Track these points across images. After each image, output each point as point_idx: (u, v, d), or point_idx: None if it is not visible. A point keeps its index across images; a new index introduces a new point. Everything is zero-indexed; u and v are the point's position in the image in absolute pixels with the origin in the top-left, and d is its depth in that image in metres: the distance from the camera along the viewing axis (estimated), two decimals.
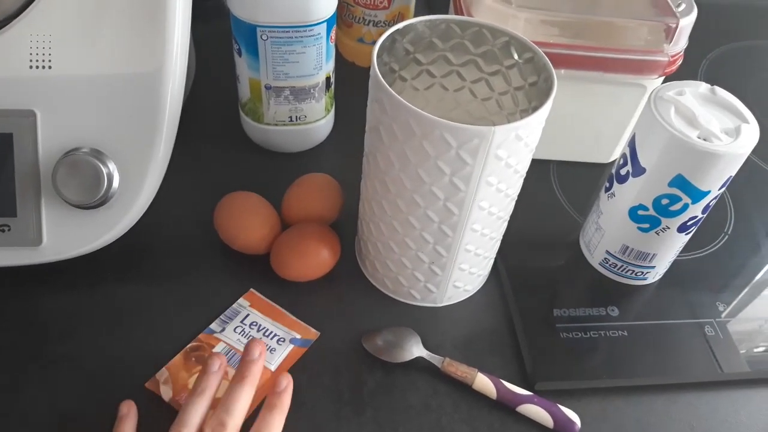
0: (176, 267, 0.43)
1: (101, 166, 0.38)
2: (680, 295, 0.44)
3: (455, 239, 0.37)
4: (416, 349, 0.39)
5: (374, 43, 0.57)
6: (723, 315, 0.43)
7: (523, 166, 0.36)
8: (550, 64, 0.36)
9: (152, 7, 0.38)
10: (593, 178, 0.52)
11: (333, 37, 0.46)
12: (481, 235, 0.38)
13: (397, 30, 0.37)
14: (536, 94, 0.38)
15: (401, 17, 0.56)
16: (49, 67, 0.38)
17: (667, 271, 0.45)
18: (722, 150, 0.36)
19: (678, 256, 0.44)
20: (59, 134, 0.38)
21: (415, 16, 0.59)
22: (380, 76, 0.34)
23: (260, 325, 0.40)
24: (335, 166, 0.49)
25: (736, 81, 0.65)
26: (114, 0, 0.38)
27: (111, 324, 0.40)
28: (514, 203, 0.39)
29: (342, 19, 0.57)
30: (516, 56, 0.38)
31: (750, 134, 0.37)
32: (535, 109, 0.38)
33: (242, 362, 0.34)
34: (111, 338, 0.39)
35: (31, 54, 0.38)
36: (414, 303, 0.42)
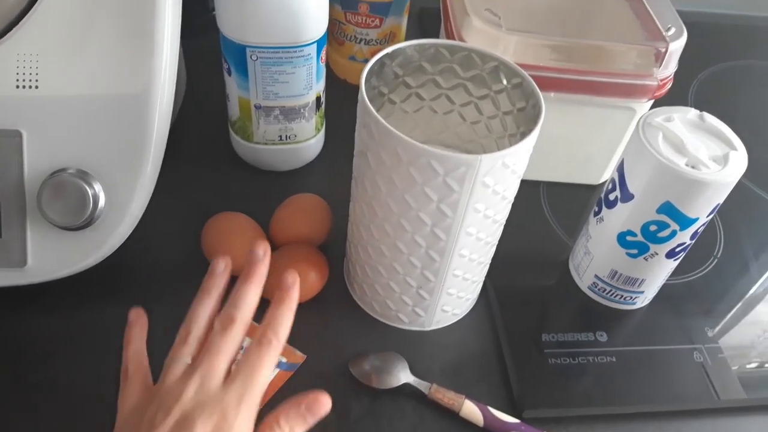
0: (162, 288, 0.43)
1: (87, 188, 0.37)
2: (669, 320, 0.44)
3: (443, 264, 0.37)
4: (403, 375, 0.39)
5: (366, 61, 0.57)
6: (711, 340, 0.43)
7: (511, 192, 0.36)
8: (538, 91, 0.35)
9: (140, 28, 0.38)
10: (583, 200, 0.52)
11: (323, 58, 0.46)
12: (469, 260, 0.38)
13: (386, 54, 0.37)
14: (524, 120, 0.38)
15: (393, 36, 0.56)
16: (36, 87, 0.38)
17: (656, 295, 0.45)
18: (710, 178, 0.36)
19: (667, 280, 0.44)
20: (45, 155, 0.38)
21: (407, 34, 0.60)
22: (368, 101, 0.34)
23: (243, 348, 0.40)
24: (325, 184, 0.49)
25: (726, 101, 0.65)
26: (102, 20, 0.38)
27: (96, 347, 0.40)
28: (502, 228, 0.39)
29: (334, 36, 0.57)
30: (505, 81, 0.38)
31: (738, 162, 0.37)
32: (524, 134, 0.38)
33: (247, 263, 0.34)
34: (95, 361, 0.39)
35: (17, 73, 0.37)
36: (402, 327, 0.42)
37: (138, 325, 0.35)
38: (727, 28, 0.76)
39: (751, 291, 0.48)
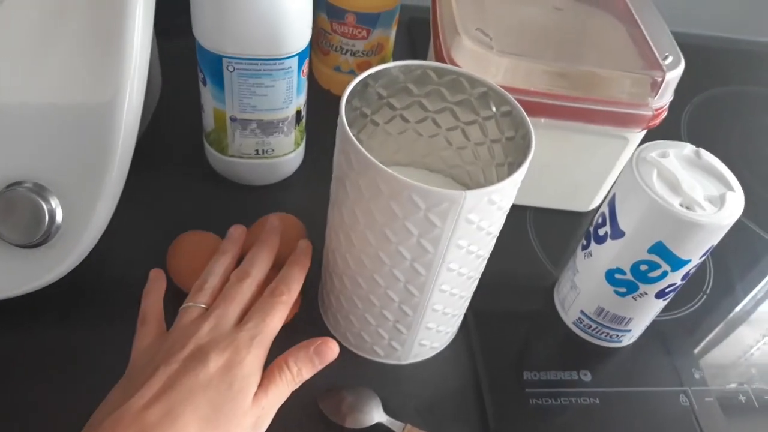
0: (123, 310, 0.40)
1: (42, 203, 0.35)
2: (656, 360, 0.43)
3: (422, 299, 0.35)
4: (376, 414, 0.37)
5: (352, 72, 0.55)
6: (699, 383, 0.41)
7: (496, 227, 0.34)
8: (528, 122, 0.34)
9: (108, 34, 0.36)
10: (571, 227, 0.50)
11: (305, 71, 0.43)
12: (450, 295, 0.36)
13: (370, 74, 0.35)
14: (513, 149, 0.36)
15: (380, 47, 0.54)
16: None
17: (643, 332, 0.43)
18: (705, 220, 0.34)
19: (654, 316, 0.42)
20: (2, 167, 0.35)
21: (395, 45, 0.57)
22: (347, 127, 0.31)
23: None
24: (304, 202, 0.46)
25: (720, 129, 0.64)
26: (68, 25, 0.36)
27: (50, 371, 0.37)
28: (485, 261, 0.37)
29: (318, 46, 0.55)
30: (494, 108, 0.36)
31: (734, 203, 0.35)
32: (511, 165, 0.36)
33: (263, 233, 0.39)
34: (50, 386, 0.36)
35: None
36: (377, 360, 0.40)
37: (158, 282, 0.38)
38: (721, 51, 0.75)
39: (741, 329, 0.46)
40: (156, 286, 0.37)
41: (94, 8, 0.36)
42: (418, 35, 0.64)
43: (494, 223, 0.33)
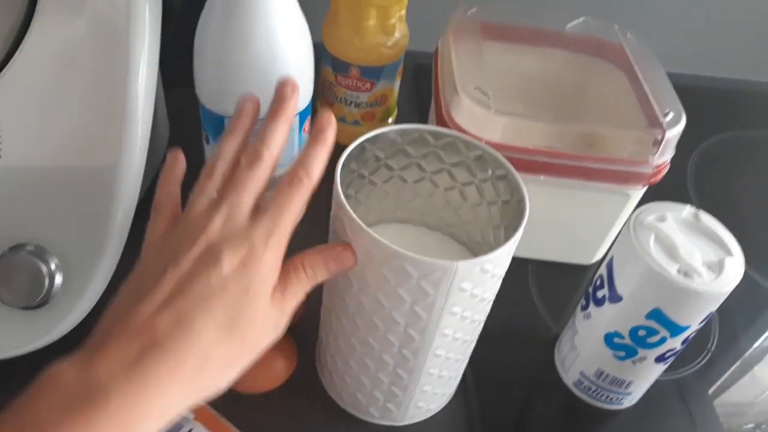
0: None
1: (42, 267, 0.35)
2: (657, 423, 0.42)
3: (417, 364, 0.35)
4: None
5: (356, 123, 0.56)
6: None
7: (491, 293, 0.34)
8: (523, 188, 0.34)
9: (111, 99, 0.37)
10: (573, 281, 0.50)
11: (306, 128, 0.44)
12: (446, 359, 0.36)
13: (367, 139, 0.35)
14: (509, 213, 0.36)
15: (384, 99, 0.55)
16: None
17: (645, 393, 0.42)
18: (702, 288, 0.34)
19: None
20: (2, 229, 0.36)
21: (400, 93, 0.58)
22: (341, 194, 0.32)
23: None
24: None
25: (728, 174, 0.63)
26: (72, 90, 0.37)
27: None
28: (482, 325, 0.37)
29: (324, 97, 0.56)
30: (489, 171, 0.36)
31: (734, 269, 0.35)
32: (507, 229, 0.36)
33: (276, 100, 0.33)
34: None
35: None
36: (373, 421, 0.40)
37: (175, 166, 0.33)
38: (729, 93, 0.74)
39: (747, 389, 0.45)
40: (173, 173, 0.33)
41: (98, 73, 0.37)
42: (424, 82, 0.65)
43: (488, 289, 0.33)
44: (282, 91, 0.33)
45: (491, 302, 0.35)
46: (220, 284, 0.27)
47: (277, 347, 0.39)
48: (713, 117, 0.70)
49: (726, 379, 0.44)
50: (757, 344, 0.47)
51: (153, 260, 0.29)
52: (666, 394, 0.43)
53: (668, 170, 0.44)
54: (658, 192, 0.42)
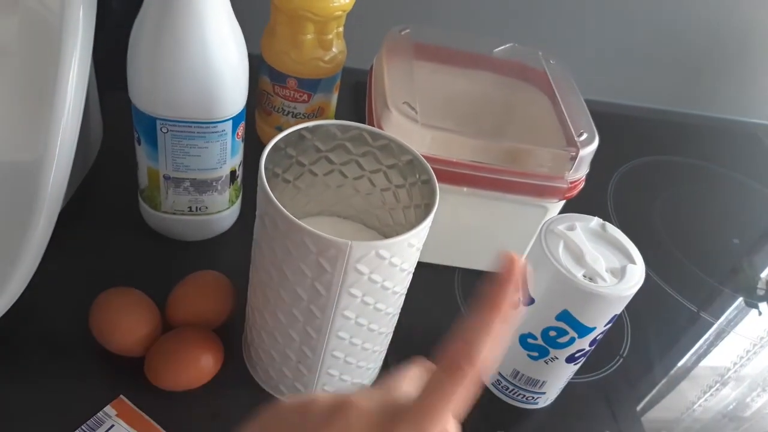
0: (41, 366, 0.40)
1: None
2: (570, 422, 0.44)
3: (320, 342, 0.36)
4: None
5: None
6: None
7: (394, 283, 0.35)
8: (437, 189, 0.35)
9: (41, 95, 0.37)
10: None
11: (240, 134, 0.45)
12: (350, 344, 0.37)
13: (280, 139, 0.37)
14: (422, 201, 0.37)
15: (321, 111, 0.56)
16: None
17: (560, 394, 0.45)
18: (605, 291, 0.36)
19: (572, 378, 0.44)
20: None
21: (338, 108, 0.60)
22: (263, 172, 0.34)
23: None
24: (237, 256, 0.47)
25: (645, 195, 0.68)
26: (1, 84, 0.37)
27: None
28: (393, 318, 0.38)
29: (262, 106, 0.57)
30: (417, 176, 0.38)
31: (635, 276, 0.38)
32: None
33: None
34: None
35: None
36: (283, 399, 0.41)
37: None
38: (653, 122, 0.80)
39: (654, 393, 0.48)
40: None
41: (29, 69, 0.37)
42: (363, 98, 0.67)
43: (389, 278, 0.34)
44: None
45: (402, 296, 0.37)
46: None
47: (201, 347, 0.39)
48: (634, 143, 0.75)
49: (623, 404, 0.47)
50: (681, 363, 0.51)
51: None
52: (580, 395, 0.46)
53: (591, 189, 0.47)
54: (581, 208, 0.45)
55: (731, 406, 0.49)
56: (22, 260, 0.37)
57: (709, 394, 0.50)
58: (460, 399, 0.22)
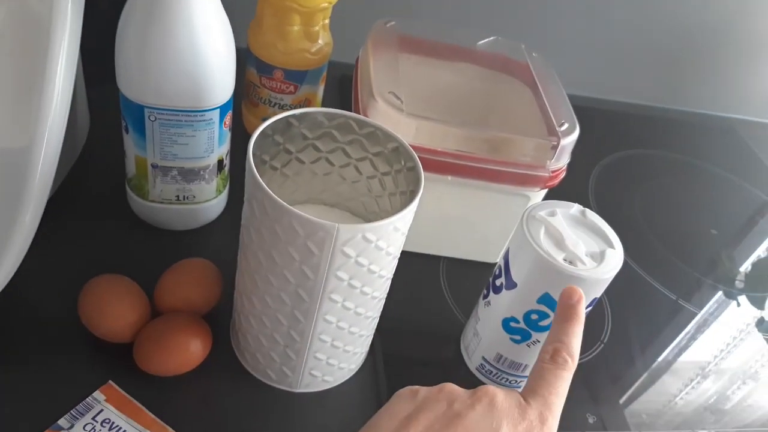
0: (30, 352, 0.40)
1: None
2: None
3: (307, 326, 0.37)
4: None
5: None
6: (592, 427, 0.44)
7: (380, 267, 0.36)
8: (422, 175, 0.36)
9: (28, 83, 0.37)
10: (481, 278, 0.53)
11: (227, 122, 0.45)
12: (337, 328, 0.38)
13: (268, 125, 0.37)
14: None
15: (308, 102, 0.57)
16: None
17: None
18: (585, 274, 0.37)
19: None
20: None
21: (324, 100, 0.61)
22: (251, 157, 0.34)
23: (113, 423, 0.38)
24: (225, 245, 0.48)
25: (626, 186, 0.69)
26: None
27: None
28: (380, 302, 0.39)
29: (249, 98, 0.57)
30: (403, 163, 0.39)
31: (613, 260, 0.39)
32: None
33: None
34: None
35: None
36: (270, 383, 0.41)
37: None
38: (634, 117, 0.82)
39: (634, 378, 0.50)
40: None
41: (17, 58, 0.37)
42: (349, 91, 0.68)
43: (375, 261, 0.35)
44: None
45: (388, 280, 0.38)
46: None
47: (189, 332, 0.40)
48: (615, 136, 0.77)
49: (604, 388, 0.48)
50: (662, 357, 0.52)
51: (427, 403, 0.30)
52: None
53: (573, 180, 0.48)
54: (562, 198, 0.46)
55: (713, 399, 0.50)
56: (10, 247, 0.37)
57: (689, 386, 0.51)
58: (568, 384, 0.32)
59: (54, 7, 0.37)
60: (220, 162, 0.47)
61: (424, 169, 0.37)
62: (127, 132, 0.44)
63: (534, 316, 0.40)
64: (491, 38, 0.56)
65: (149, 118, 0.42)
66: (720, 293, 0.59)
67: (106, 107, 0.53)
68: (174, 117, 0.42)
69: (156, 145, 0.43)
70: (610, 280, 0.39)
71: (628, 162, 0.73)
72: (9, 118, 0.38)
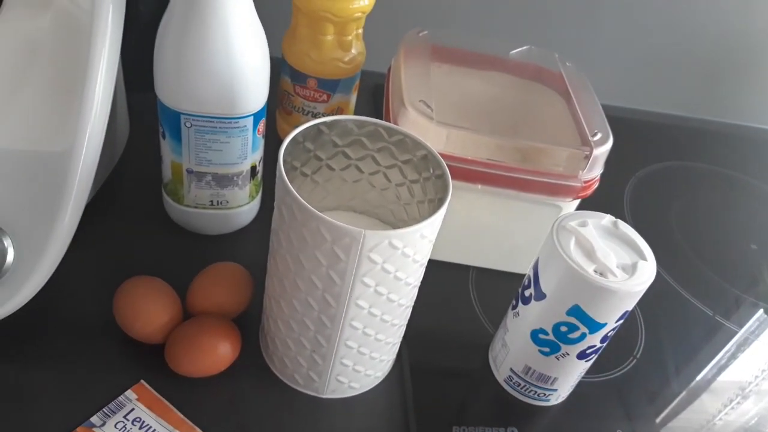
0: (66, 350, 0.41)
1: None
2: (581, 421, 0.44)
3: (334, 331, 0.37)
4: None
5: None
6: None
7: (407, 274, 0.36)
8: (450, 183, 0.36)
9: (70, 89, 0.38)
10: (510, 288, 0.52)
11: (261, 130, 0.46)
12: (364, 334, 0.38)
13: (324, 122, 0.39)
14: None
15: (340, 111, 0.57)
16: None
17: (572, 393, 0.45)
18: (615, 286, 0.37)
19: (584, 378, 0.44)
20: None
21: (357, 109, 0.61)
22: (282, 166, 0.35)
23: (143, 422, 0.38)
24: (257, 250, 0.48)
25: (663, 199, 0.68)
26: (34, 79, 0.39)
27: None
28: (407, 310, 0.39)
29: (282, 106, 0.58)
30: (431, 170, 0.39)
31: (646, 272, 0.38)
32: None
33: None
34: None
35: None
36: (297, 388, 0.42)
37: None
38: (673, 128, 0.80)
39: (668, 395, 0.48)
40: None
41: (60, 63, 0.39)
42: (382, 100, 0.68)
43: (402, 269, 0.35)
44: None
45: (414, 287, 0.38)
46: None
47: (219, 335, 0.41)
48: (652, 147, 0.75)
49: (636, 404, 0.47)
50: (700, 375, 0.50)
51: None
52: (592, 394, 0.46)
53: (607, 192, 0.48)
54: (596, 209, 0.45)
55: (753, 421, 0.49)
56: (49, 248, 0.38)
57: (729, 406, 0.49)
58: None
59: (95, 16, 0.39)
60: (253, 168, 0.48)
61: (454, 178, 0.37)
62: (164, 138, 0.45)
63: (563, 328, 0.39)
64: (524, 47, 0.56)
65: (185, 124, 0.43)
66: (761, 311, 0.57)
67: (145, 114, 0.54)
68: (209, 123, 0.43)
69: (191, 151, 0.44)
70: (642, 293, 0.38)
71: (665, 174, 0.72)
72: (50, 122, 0.39)
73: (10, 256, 0.37)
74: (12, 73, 0.39)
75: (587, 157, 0.45)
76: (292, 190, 0.33)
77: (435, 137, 0.44)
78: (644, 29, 0.75)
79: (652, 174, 0.71)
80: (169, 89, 0.42)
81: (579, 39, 0.75)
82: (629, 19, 0.74)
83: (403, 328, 0.41)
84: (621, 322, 0.39)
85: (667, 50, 0.77)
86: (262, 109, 0.45)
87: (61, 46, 0.41)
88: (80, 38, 0.39)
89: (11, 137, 0.38)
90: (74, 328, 0.43)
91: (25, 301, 0.38)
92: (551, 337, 0.40)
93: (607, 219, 0.41)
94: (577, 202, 0.48)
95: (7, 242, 0.37)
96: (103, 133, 0.39)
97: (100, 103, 0.39)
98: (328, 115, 0.57)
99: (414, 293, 0.38)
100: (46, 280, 0.39)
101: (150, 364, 0.41)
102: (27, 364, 0.40)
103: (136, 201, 0.52)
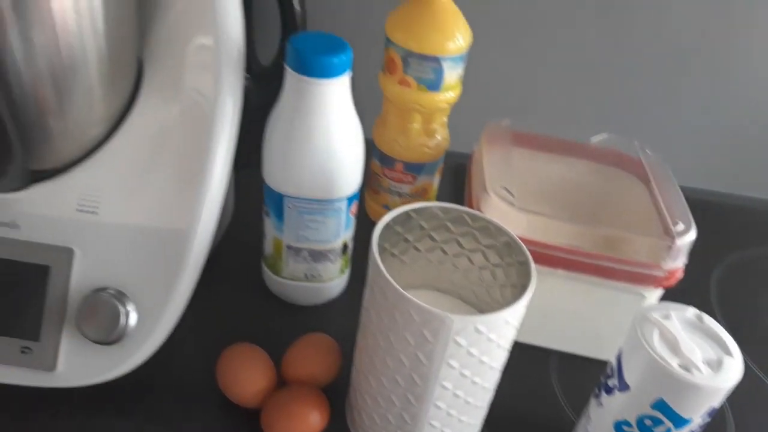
0: (171, 410, 0.45)
1: (120, 308, 0.41)
2: None
3: (420, 410, 0.39)
4: None
5: None
6: None
7: (491, 359, 0.37)
8: (534, 271, 0.38)
9: (193, 174, 0.43)
10: (594, 375, 0.52)
11: (353, 210, 0.50)
12: (447, 415, 0.39)
13: (413, 209, 0.42)
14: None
15: (424, 191, 0.61)
16: (95, 213, 0.43)
17: None
18: (701, 382, 0.37)
19: None
20: (91, 273, 0.43)
21: (440, 190, 0.64)
22: (376, 246, 0.38)
23: None
24: (345, 321, 0.51)
25: (752, 288, 0.65)
26: (162, 164, 0.44)
27: None
28: (489, 393, 0.40)
29: (371, 186, 0.62)
30: (514, 257, 0.41)
31: (732, 369, 0.38)
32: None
33: None
34: None
35: (81, 199, 0.43)
36: None
37: None
38: (757, 212, 0.78)
39: None
40: None
41: (184, 151, 0.44)
42: (463, 180, 0.71)
43: (487, 353, 0.37)
44: None
45: (497, 371, 0.39)
46: None
47: (309, 403, 0.43)
48: (739, 233, 0.73)
49: None
50: None
51: None
52: None
53: (693, 279, 0.47)
54: (681, 298, 0.45)
55: None
56: (166, 313, 0.43)
57: None
58: None
59: (218, 106, 0.44)
60: (345, 245, 0.52)
61: (535, 262, 0.39)
62: (267, 216, 0.50)
63: (648, 422, 0.39)
64: (604, 135, 0.58)
65: (288, 205, 0.48)
66: None
67: (248, 190, 0.60)
68: (309, 205, 0.47)
69: (291, 229, 0.49)
70: (729, 390, 0.37)
71: (754, 260, 0.70)
72: (174, 201, 0.44)
73: (132, 320, 0.42)
74: (147, 158, 0.44)
75: (669, 248, 0.46)
76: (385, 273, 0.36)
77: (516, 222, 0.46)
78: (724, 110, 0.75)
79: (741, 261, 0.69)
80: (275, 176, 0.47)
81: (658, 121, 0.76)
82: (709, 99, 0.74)
83: (485, 411, 0.42)
84: (709, 420, 0.39)
85: (753, 132, 0.76)
86: (356, 193, 0.49)
87: (186, 133, 0.47)
88: (203, 125, 0.45)
89: (144, 215, 0.43)
90: (181, 390, 0.46)
91: (143, 360, 0.43)
92: (635, 429, 0.40)
93: (691, 312, 0.41)
94: (660, 290, 0.48)
95: (131, 307, 0.42)
96: (219, 215, 0.44)
97: (217, 188, 0.44)
98: (413, 194, 0.61)
99: (497, 377, 0.39)
100: (162, 342, 0.43)
101: (247, 428, 0.44)
102: (139, 418, 0.44)
103: (238, 271, 0.57)
